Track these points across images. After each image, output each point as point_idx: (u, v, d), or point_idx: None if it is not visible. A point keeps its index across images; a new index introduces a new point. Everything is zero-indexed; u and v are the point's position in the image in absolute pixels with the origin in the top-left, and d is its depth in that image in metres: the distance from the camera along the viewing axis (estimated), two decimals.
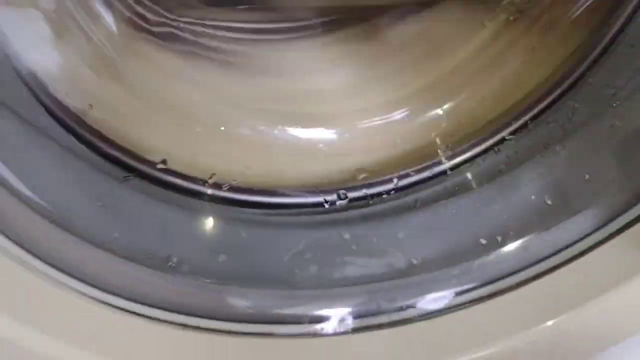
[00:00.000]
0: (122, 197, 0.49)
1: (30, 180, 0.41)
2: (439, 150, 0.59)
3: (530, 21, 0.60)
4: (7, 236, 0.37)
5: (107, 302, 0.42)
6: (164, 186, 0.52)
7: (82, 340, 0.39)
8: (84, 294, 0.41)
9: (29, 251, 0.39)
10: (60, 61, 0.48)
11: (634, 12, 0.53)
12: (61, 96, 0.46)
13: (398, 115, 0.61)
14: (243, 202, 0.55)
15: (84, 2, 0.49)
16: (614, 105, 0.52)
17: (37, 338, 0.37)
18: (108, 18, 0.51)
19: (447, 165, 0.59)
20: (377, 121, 0.61)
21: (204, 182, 0.54)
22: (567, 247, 0.49)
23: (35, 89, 0.45)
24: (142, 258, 0.45)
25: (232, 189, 0.55)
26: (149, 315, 0.43)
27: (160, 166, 0.51)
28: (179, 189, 0.53)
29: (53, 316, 0.38)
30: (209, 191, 0.54)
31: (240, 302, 0.47)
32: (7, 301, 0.36)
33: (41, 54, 0.46)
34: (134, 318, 0.42)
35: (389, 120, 0.61)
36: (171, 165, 0.52)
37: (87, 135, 0.48)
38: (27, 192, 0.41)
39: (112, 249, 0.44)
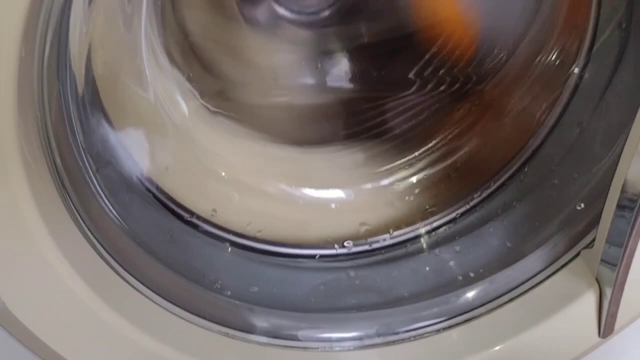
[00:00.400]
0: (183, 234, 0.61)
1: (123, 215, 0.54)
2: (422, 212, 0.70)
3: (491, 110, 0.71)
4: (106, 249, 0.50)
5: (166, 308, 0.53)
6: (208, 234, 0.65)
7: (145, 327, 0.50)
8: (150, 299, 0.52)
9: (118, 262, 0.51)
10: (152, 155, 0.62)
11: (567, 104, 0.65)
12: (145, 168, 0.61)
13: (386, 181, 0.72)
14: (268, 251, 0.66)
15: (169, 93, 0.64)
16: (552, 168, 0.63)
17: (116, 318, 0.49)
18: (183, 106, 0.65)
19: (428, 227, 0.69)
20: (369, 187, 0.72)
21: (238, 234, 0.66)
22: (524, 281, 0.58)
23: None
24: (195, 277, 0.57)
25: (259, 239, 0.66)
26: (196, 322, 0.54)
27: (212, 214, 0.63)
28: (220, 238, 0.65)
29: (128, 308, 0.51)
30: (242, 240, 0.66)
31: (265, 320, 0.57)
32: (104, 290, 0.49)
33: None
34: (183, 321, 0.53)
35: (380, 186, 0.72)
36: (219, 213, 0.64)
37: (160, 196, 0.62)
38: (121, 221, 0.54)
39: (174, 267, 0.55)
